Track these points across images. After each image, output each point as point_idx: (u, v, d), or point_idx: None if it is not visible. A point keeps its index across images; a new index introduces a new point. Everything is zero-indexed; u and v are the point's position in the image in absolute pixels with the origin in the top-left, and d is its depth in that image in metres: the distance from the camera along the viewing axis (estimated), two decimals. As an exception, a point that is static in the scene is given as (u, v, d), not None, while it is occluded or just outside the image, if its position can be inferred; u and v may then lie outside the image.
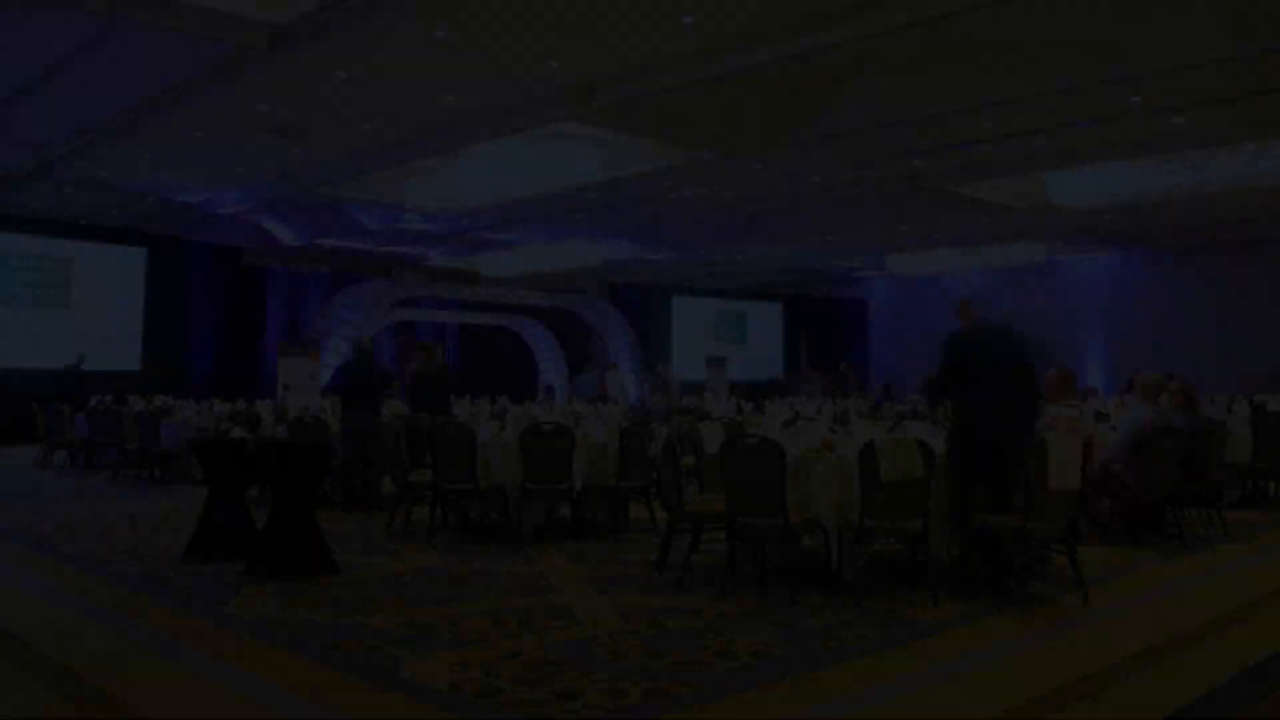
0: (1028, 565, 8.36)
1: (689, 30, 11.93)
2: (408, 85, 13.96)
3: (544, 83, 13.86)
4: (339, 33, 11.89)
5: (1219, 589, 8.12)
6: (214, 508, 9.36)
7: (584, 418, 13.61)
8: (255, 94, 14.31)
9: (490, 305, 30.95)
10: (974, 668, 5.84)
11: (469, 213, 21.28)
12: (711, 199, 21.19)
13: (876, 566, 8.59)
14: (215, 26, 11.82)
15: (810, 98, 15.19)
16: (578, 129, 15.84)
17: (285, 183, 19.62)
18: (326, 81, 13.73)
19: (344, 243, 26.67)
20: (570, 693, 5.32)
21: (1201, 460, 10.44)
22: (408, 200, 19.86)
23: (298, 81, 13.80)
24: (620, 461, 10.48)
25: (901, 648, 6.21)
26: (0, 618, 6.84)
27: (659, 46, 12.54)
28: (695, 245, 27.34)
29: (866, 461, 7.40)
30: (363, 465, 12.54)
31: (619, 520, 10.76)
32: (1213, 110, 14.62)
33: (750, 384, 29.37)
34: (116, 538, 10.24)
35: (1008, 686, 5.53)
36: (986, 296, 30.68)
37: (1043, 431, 7.95)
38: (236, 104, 14.71)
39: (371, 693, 5.34)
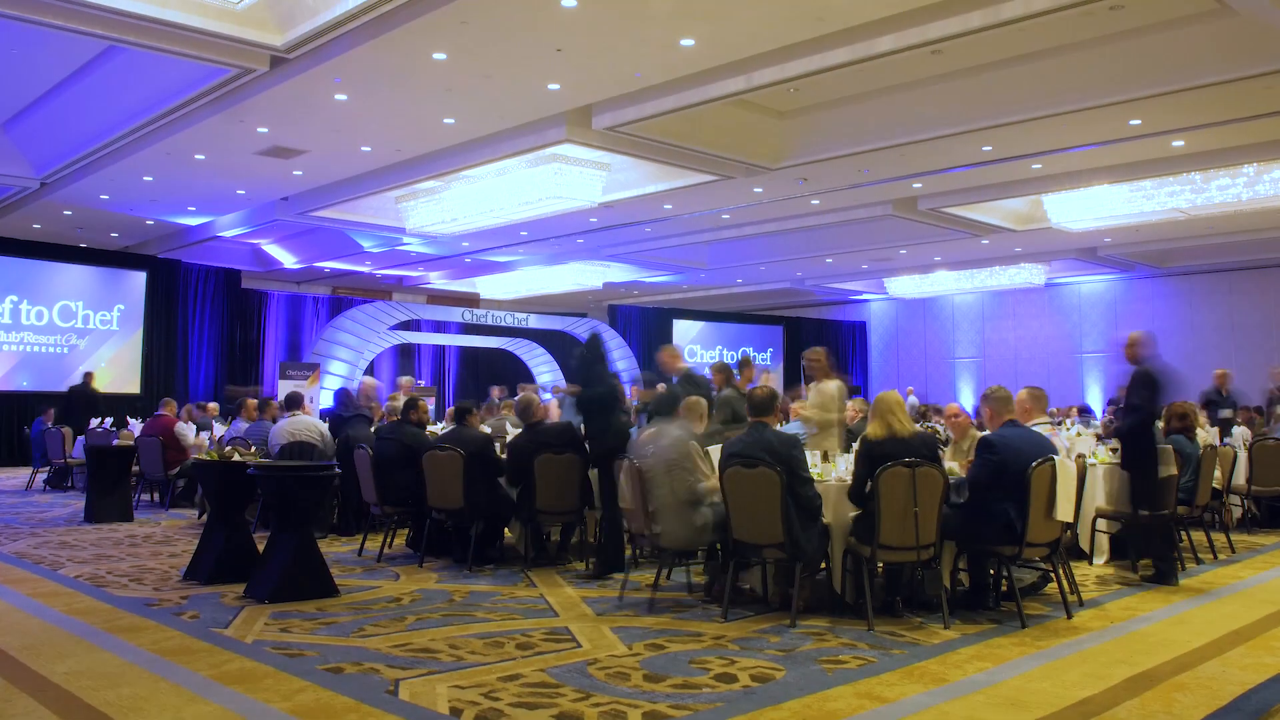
0: (1028, 586, 8.36)
1: (688, 53, 11.95)
2: (408, 108, 13.97)
3: (544, 106, 13.89)
4: (339, 56, 11.91)
5: (1220, 611, 8.11)
6: (214, 530, 9.36)
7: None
8: (256, 117, 14.33)
9: (490, 328, 30.93)
10: (976, 690, 5.83)
11: (469, 235, 21.28)
12: (711, 221, 21.22)
13: (878, 587, 8.58)
14: (216, 50, 11.84)
15: (810, 120, 15.22)
16: (578, 152, 15.86)
17: (285, 205, 19.63)
18: (327, 105, 13.75)
19: (344, 265, 26.69)
20: (570, 716, 5.31)
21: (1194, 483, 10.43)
22: (408, 223, 19.87)
23: (298, 105, 13.82)
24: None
25: (904, 670, 6.20)
26: (2, 640, 6.83)
27: (658, 69, 12.57)
28: (695, 268, 27.34)
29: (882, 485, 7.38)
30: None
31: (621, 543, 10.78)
32: (1212, 133, 14.64)
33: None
34: (116, 560, 10.23)
35: (1010, 709, 5.51)
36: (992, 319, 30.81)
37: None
38: (237, 127, 14.72)
39: (371, 715, 5.33)
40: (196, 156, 16.35)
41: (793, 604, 7.55)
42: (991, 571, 8.13)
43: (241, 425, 14.37)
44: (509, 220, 18.76)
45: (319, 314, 29.00)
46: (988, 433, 8.14)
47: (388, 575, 9.54)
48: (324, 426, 12.85)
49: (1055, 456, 7.70)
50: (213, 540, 9.29)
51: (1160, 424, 10.85)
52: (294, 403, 13.15)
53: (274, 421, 13.55)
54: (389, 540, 10.80)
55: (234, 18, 11.50)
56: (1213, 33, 11.21)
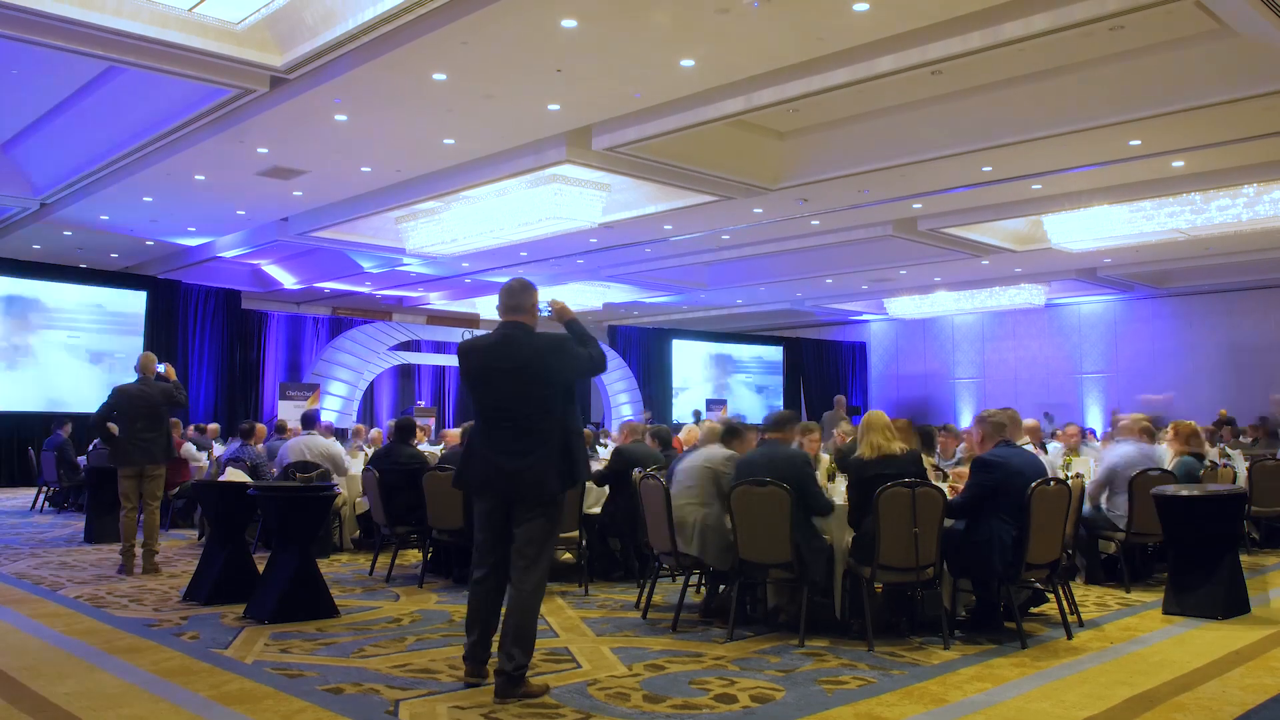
0: (1024, 605, 8.35)
1: (688, 73, 11.98)
2: (408, 129, 14.00)
3: (543, 126, 13.91)
4: (339, 77, 11.93)
5: (1220, 632, 8.08)
6: (214, 550, 9.36)
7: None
8: (256, 138, 14.35)
9: (490, 348, 30.83)
10: (975, 711, 5.82)
11: (469, 256, 21.28)
12: (711, 241, 21.24)
13: (879, 608, 8.57)
14: (216, 70, 11.87)
15: (810, 141, 15.24)
16: (577, 172, 15.88)
17: (285, 226, 19.65)
18: (327, 125, 13.77)
19: (344, 286, 26.70)
20: (570, 736, 5.31)
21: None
22: (408, 243, 19.89)
23: (298, 125, 13.84)
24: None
25: (904, 690, 6.19)
26: (2, 660, 6.82)
27: (658, 90, 12.59)
28: (695, 288, 27.35)
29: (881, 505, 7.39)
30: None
31: (623, 563, 10.78)
32: (1212, 153, 14.67)
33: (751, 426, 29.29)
34: (116, 580, 10.22)
35: (1010, 729, 5.51)
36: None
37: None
38: (237, 148, 14.74)
39: (371, 736, 5.32)
40: (196, 177, 16.38)
41: (801, 624, 7.55)
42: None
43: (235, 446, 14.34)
44: (509, 241, 18.80)
45: (319, 334, 28.99)
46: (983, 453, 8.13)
47: (388, 595, 9.53)
48: (336, 448, 12.88)
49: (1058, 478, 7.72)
50: (213, 561, 9.29)
51: (1171, 446, 10.88)
52: (308, 422, 13.25)
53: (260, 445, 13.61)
54: (392, 562, 10.80)
55: (234, 38, 11.53)
56: (1213, 53, 11.24)
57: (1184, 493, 9.03)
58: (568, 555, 10.69)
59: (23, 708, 5.79)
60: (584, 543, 10.25)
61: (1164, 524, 9.20)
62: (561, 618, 8.48)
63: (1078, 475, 9.68)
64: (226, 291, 26.33)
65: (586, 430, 15.29)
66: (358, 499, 12.65)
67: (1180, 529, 8.93)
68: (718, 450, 8.59)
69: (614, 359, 31.76)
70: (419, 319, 31.10)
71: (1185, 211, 17.40)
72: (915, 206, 18.39)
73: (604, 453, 15.40)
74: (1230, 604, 8.66)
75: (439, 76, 12.00)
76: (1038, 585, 8.24)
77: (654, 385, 32.72)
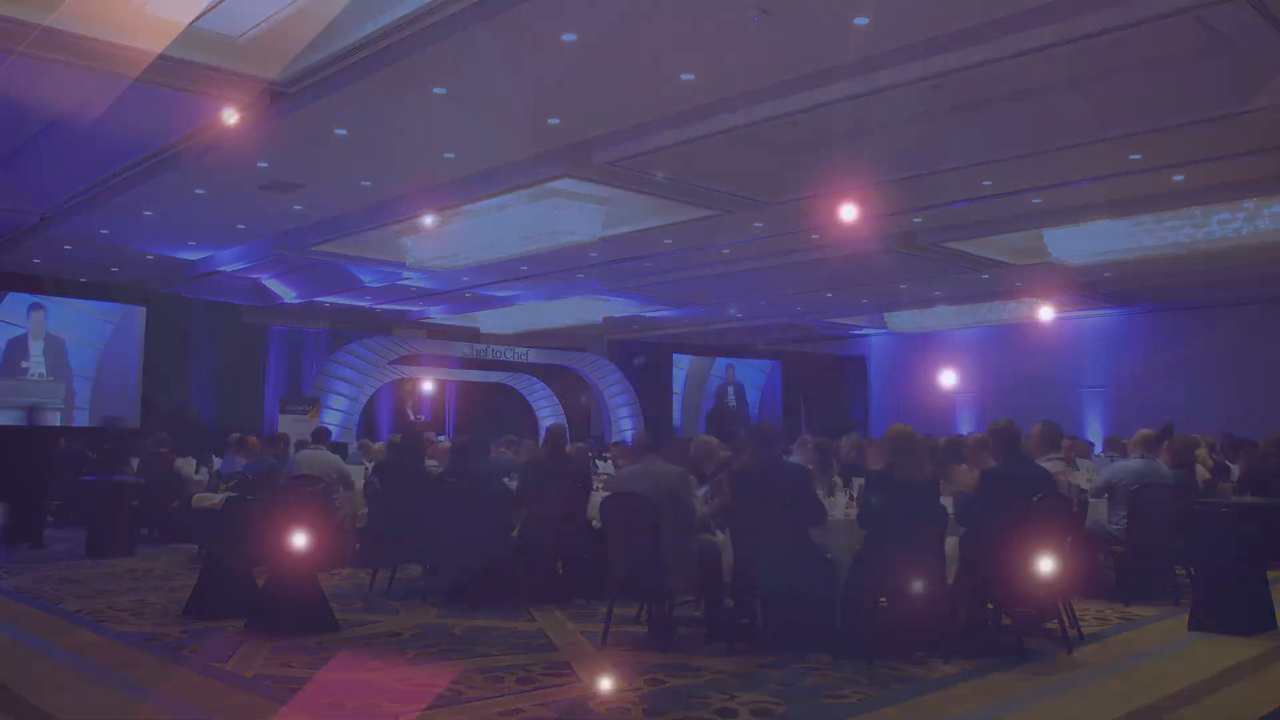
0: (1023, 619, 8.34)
1: (688, 87, 11.97)
2: (408, 143, 13.98)
3: (543, 140, 13.90)
4: (340, 91, 11.92)
5: (1220, 646, 8.07)
6: (214, 565, 9.35)
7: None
8: (256, 152, 14.33)
9: (491, 363, 30.90)
10: (977, 725, 5.82)
11: (469, 270, 21.26)
12: (711, 255, 21.21)
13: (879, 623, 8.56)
14: (216, 84, 11.86)
15: (810, 155, 15.23)
16: (578, 186, 15.87)
17: (285, 240, 19.63)
18: (327, 139, 13.76)
19: (344, 300, 26.66)
20: (571, 750, 5.30)
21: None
22: (408, 258, 19.86)
23: (298, 139, 13.83)
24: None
25: (904, 705, 6.19)
26: (3, 675, 6.81)
27: (658, 104, 12.58)
28: (695, 303, 27.31)
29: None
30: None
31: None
32: (1212, 168, 14.65)
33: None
34: (117, 595, 10.21)
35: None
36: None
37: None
38: (236, 162, 14.72)
39: (371, 751, 5.31)
40: (196, 191, 16.35)
41: (800, 639, 7.52)
42: (990, 606, 8.10)
43: (239, 461, 14.32)
44: (509, 255, 18.76)
45: (319, 349, 28.97)
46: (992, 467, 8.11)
47: (388, 610, 9.52)
48: (341, 463, 12.89)
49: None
50: (213, 575, 9.28)
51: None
52: (319, 437, 13.25)
53: (276, 458, 13.59)
54: (393, 576, 10.79)
55: (234, 52, 11.51)
56: (1213, 67, 11.24)
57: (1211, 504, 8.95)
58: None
59: (22, 722, 5.79)
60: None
61: (1189, 536, 9.11)
62: (562, 632, 8.47)
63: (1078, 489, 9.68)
64: (226, 305, 26.30)
65: (579, 445, 15.25)
66: (360, 512, 12.63)
67: (1207, 542, 8.82)
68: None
69: (614, 373, 31.74)
70: (419, 333, 31.08)
71: (1186, 225, 17.40)
72: (915, 220, 18.37)
73: (603, 466, 15.28)
74: (1256, 620, 8.51)
75: (439, 91, 12.00)
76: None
77: (654, 399, 32.69)
